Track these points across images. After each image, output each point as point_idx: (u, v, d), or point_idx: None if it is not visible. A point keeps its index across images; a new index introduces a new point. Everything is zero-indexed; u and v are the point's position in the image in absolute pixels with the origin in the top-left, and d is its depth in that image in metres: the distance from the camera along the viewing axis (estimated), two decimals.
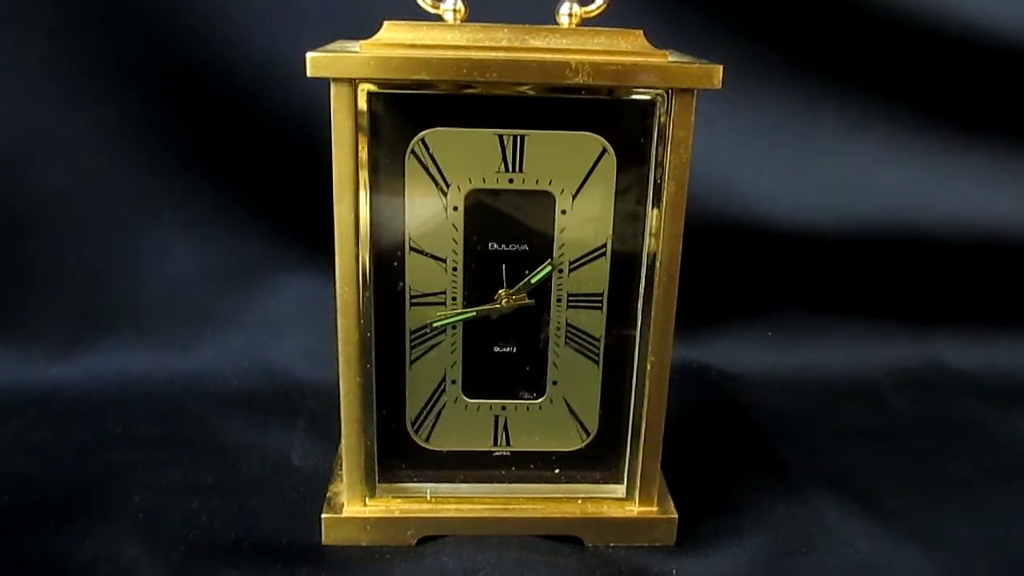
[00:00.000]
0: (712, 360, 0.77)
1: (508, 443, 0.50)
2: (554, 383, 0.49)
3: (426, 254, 0.46)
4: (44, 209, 0.68)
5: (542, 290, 0.47)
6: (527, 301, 0.48)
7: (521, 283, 0.47)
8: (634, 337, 0.48)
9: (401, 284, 0.46)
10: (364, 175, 0.44)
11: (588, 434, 0.50)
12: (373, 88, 0.44)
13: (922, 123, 0.77)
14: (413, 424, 0.49)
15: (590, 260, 0.47)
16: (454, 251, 0.46)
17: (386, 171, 0.45)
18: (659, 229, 0.45)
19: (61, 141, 0.67)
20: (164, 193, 0.69)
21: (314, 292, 0.74)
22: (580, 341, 0.48)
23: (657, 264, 0.46)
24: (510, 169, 0.45)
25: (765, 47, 0.73)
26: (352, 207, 0.44)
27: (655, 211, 0.46)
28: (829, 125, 0.76)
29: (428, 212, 0.45)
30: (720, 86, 0.45)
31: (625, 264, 0.47)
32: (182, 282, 0.70)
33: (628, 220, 0.46)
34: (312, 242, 0.73)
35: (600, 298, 0.48)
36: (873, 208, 0.79)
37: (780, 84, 0.76)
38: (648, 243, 0.46)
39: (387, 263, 0.46)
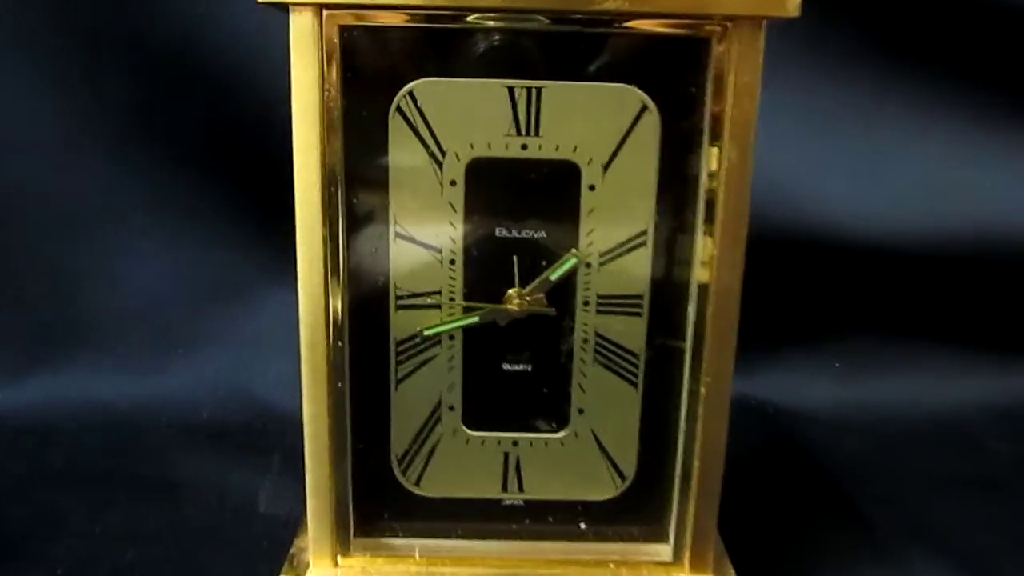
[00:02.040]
0: (769, 394, 0.68)
1: (521, 489, 0.42)
2: (580, 412, 0.41)
3: (416, 242, 0.39)
4: None
5: (564, 290, 0.39)
6: (545, 305, 0.39)
7: (537, 280, 0.39)
8: (684, 351, 0.40)
9: (383, 281, 0.39)
10: (334, 140, 0.36)
11: (623, 478, 0.42)
12: (347, 19, 0.34)
13: (1009, 113, 0.66)
14: (400, 462, 0.41)
15: (626, 251, 0.39)
16: (451, 239, 0.39)
17: (363, 134, 0.37)
18: (718, 208, 0.37)
19: (19, 133, 0.63)
20: (131, 192, 0.64)
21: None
22: (613, 357, 0.40)
23: (715, 255, 0.37)
24: (523, 131, 0.37)
25: (819, 23, 0.63)
26: (318, 182, 0.36)
27: (712, 185, 0.37)
28: (895, 114, 0.65)
29: (418, 187, 0.38)
30: (797, 13, 0.34)
31: (672, 256, 0.39)
32: (150, 295, 0.66)
33: (676, 198, 0.38)
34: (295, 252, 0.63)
35: (639, 301, 0.40)
36: (956, 215, 0.69)
37: (837, 67, 0.65)
38: (702, 227, 0.38)
39: (365, 254, 0.38)
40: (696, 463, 0.40)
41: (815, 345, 0.70)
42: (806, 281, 0.69)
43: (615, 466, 0.42)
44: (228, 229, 0.66)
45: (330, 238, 0.37)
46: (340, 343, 0.38)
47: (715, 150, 0.37)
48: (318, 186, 0.37)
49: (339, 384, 0.39)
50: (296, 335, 0.60)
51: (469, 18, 0.36)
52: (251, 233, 0.66)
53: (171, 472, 0.54)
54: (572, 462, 0.41)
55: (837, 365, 0.70)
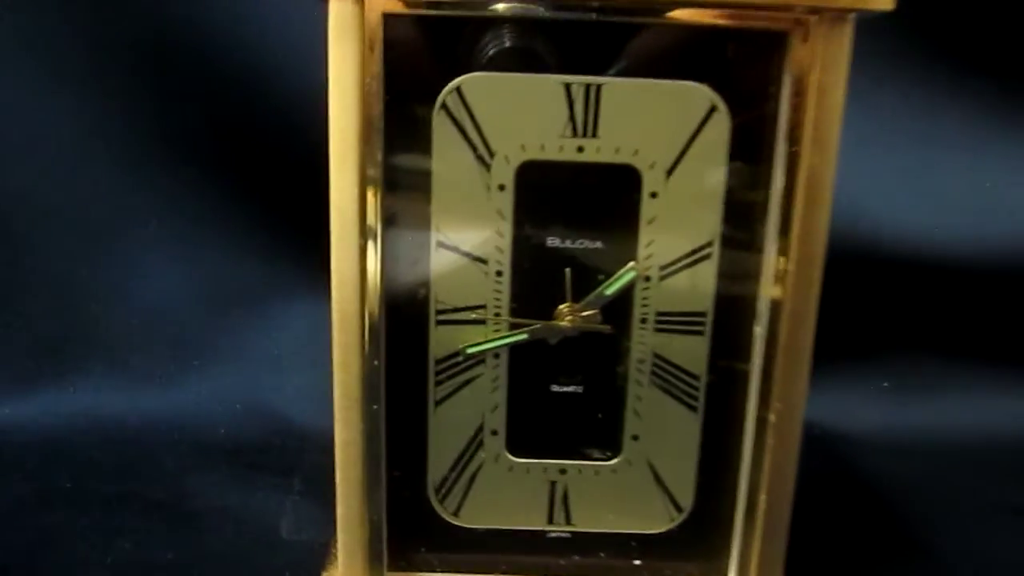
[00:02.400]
0: (815, 415, 0.63)
1: (568, 520, 0.39)
2: (634, 438, 0.38)
3: (459, 252, 0.36)
4: (2, 216, 0.60)
5: (620, 306, 0.37)
6: (599, 322, 0.37)
7: (591, 295, 0.36)
8: (749, 375, 0.37)
9: (424, 294, 0.36)
10: (373, 140, 0.34)
11: (680, 510, 0.39)
12: (391, 5, 0.31)
13: None
14: (438, 491, 0.39)
15: (689, 265, 0.36)
16: (499, 248, 0.36)
17: (405, 133, 0.34)
18: (794, 220, 0.34)
19: (25, 135, 0.59)
20: (143, 200, 0.61)
21: (324, 320, 0.61)
22: (672, 379, 0.37)
23: (790, 271, 0.35)
24: (580, 132, 0.34)
25: (876, 31, 0.59)
26: (355, 186, 0.33)
27: (788, 194, 0.34)
28: (949, 127, 0.62)
29: (463, 192, 0.35)
30: (891, 6, 0.31)
31: (739, 271, 0.36)
32: (165, 306, 0.62)
33: (746, 208, 0.36)
34: (322, 260, 0.60)
35: (702, 319, 0.37)
36: (1011, 232, 0.64)
37: (896, 73, 0.61)
38: (776, 240, 0.35)
39: (404, 264, 0.36)
40: (762, 496, 0.37)
41: (863, 364, 0.66)
42: (853, 297, 0.65)
43: (671, 497, 0.39)
44: (246, 237, 0.63)
45: (366, 247, 0.35)
46: (376, 362, 0.36)
47: (793, 156, 0.34)
48: (355, 190, 0.34)
49: (374, 407, 0.36)
50: (318, 347, 0.55)
51: (523, 7, 0.33)
52: (271, 242, 0.63)
53: (186, 494, 0.50)
54: (625, 492, 0.39)
55: (886, 384, 0.66)
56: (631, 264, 0.36)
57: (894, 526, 0.51)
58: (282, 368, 0.62)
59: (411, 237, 0.36)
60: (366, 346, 0.35)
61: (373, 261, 0.35)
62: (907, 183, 0.66)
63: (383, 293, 0.35)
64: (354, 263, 0.35)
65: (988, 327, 0.67)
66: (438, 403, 0.37)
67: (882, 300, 0.68)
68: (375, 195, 0.34)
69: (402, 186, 0.35)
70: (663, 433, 0.38)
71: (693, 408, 0.38)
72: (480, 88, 0.34)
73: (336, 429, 0.36)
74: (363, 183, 0.34)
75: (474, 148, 0.35)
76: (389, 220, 0.35)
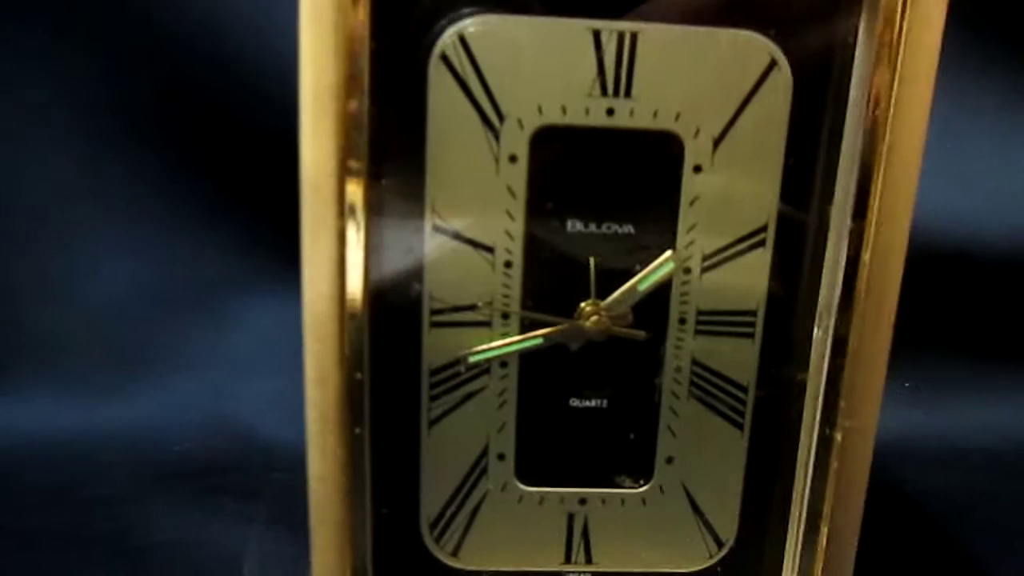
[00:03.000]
0: None
1: (589, 559, 0.35)
2: (668, 461, 0.34)
3: (460, 238, 0.31)
4: None
5: (655, 304, 0.32)
6: (630, 323, 0.32)
7: (621, 291, 0.32)
8: (807, 385, 0.32)
9: (417, 290, 0.31)
10: (356, 98, 0.28)
11: (720, 545, 0.35)
12: None
13: None
14: (433, 527, 0.34)
15: (739, 253, 0.32)
16: (508, 234, 0.31)
17: (395, 90, 0.29)
18: (873, 199, 0.29)
19: None
20: (97, 190, 0.57)
21: (294, 319, 0.57)
22: (714, 391, 0.33)
23: (864, 261, 0.30)
24: (611, 91, 0.29)
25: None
26: (333, 156, 0.28)
27: (866, 169, 0.29)
28: (993, 106, 0.58)
29: (466, 164, 0.30)
30: None
31: (799, 261, 0.32)
32: (116, 308, 0.58)
33: (810, 185, 0.31)
34: (290, 256, 0.56)
35: (751, 319, 0.32)
36: None
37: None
38: (848, 223, 0.30)
39: (393, 254, 0.31)
40: (823, 529, 0.33)
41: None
42: None
43: (710, 529, 0.35)
44: (205, 225, 0.59)
45: (346, 232, 0.29)
46: (358, 374, 0.31)
47: (874, 123, 0.29)
48: (332, 161, 0.28)
49: (356, 430, 0.31)
50: (287, 349, 0.54)
51: None
52: (233, 230, 0.59)
53: (132, 525, 0.46)
54: (656, 525, 0.35)
55: (907, 385, 0.62)
56: (669, 253, 0.31)
57: (961, 546, 0.48)
58: (246, 374, 0.59)
59: (402, 220, 0.31)
60: (345, 355, 0.30)
61: (355, 250, 0.30)
62: (938, 179, 0.62)
63: (367, 289, 0.30)
64: (331, 252, 0.29)
65: (1014, 327, 0.63)
66: (433, 423, 0.33)
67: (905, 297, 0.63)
68: (358, 168, 0.29)
69: (391, 157, 0.30)
70: (703, 454, 0.34)
71: (739, 425, 0.34)
72: (488, 35, 0.29)
73: (309, 460, 0.31)
74: (343, 153, 0.28)
75: (480, 109, 0.30)
76: (374, 199, 0.30)
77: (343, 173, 0.28)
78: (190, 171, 0.57)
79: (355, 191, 0.29)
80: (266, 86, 0.54)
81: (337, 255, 0.29)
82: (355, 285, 0.30)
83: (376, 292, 0.30)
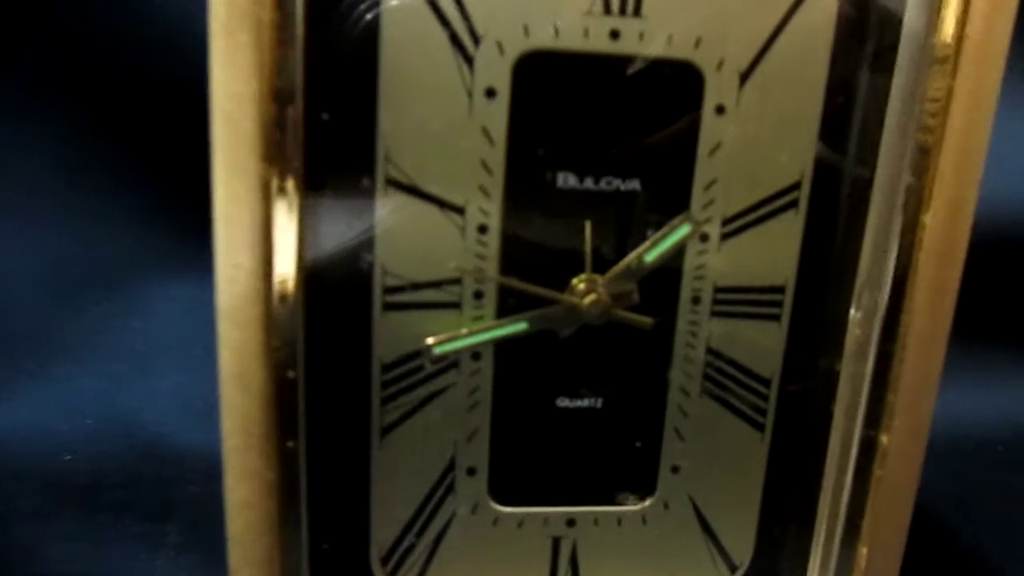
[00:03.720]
0: None
1: None
2: (674, 470, 0.30)
3: (424, 196, 0.25)
4: None
5: (663, 279, 0.27)
6: (636, 301, 0.27)
7: (624, 262, 0.27)
8: (843, 378, 0.28)
9: (367, 262, 0.26)
10: (286, 10, 0.22)
11: (734, 568, 0.31)
12: None
13: None
14: (386, 562, 0.29)
15: (766, 216, 0.27)
16: (483, 190, 0.26)
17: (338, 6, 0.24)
18: (940, 152, 0.24)
19: None
20: None
21: (208, 307, 0.51)
22: (732, 385, 0.29)
23: (927, 226, 0.25)
24: (615, 9, 0.25)
25: None
26: (253, 73, 0.22)
27: (928, 117, 0.24)
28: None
29: (431, 101, 0.25)
30: None
31: (838, 227, 0.27)
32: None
33: (856, 133, 0.26)
34: (207, 230, 0.51)
35: (778, 298, 0.28)
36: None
37: None
38: (902, 183, 0.25)
39: (336, 215, 0.25)
40: (862, 550, 0.28)
41: None
42: None
43: (722, 551, 0.31)
44: (102, 199, 0.53)
45: (272, 187, 0.23)
46: (291, 372, 0.25)
47: (937, 52, 0.24)
48: (253, 84, 0.22)
49: (289, 444, 0.26)
50: (200, 339, 0.49)
51: None
52: (138, 205, 0.54)
53: (13, 552, 0.41)
54: (658, 548, 0.30)
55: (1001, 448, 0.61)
56: (682, 216, 0.27)
57: (943, 529, 0.46)
58: (151, 369, 0.53)
59: (347, 171, 0.25)
60: (273, 347, 0.24)
61: (285, 209, 0.24)
62: None
63: (301, 261, 0.24)
64: (252, 212, 0.24)
65: (998, 307, 0.61)
66: (387, 431, 0.28)
67: None
68: (287, 96, 0.23)
69: (333, 85, 0.24)
70: (715, 462, 0.30)
71: (759, 426, 0.29)
72: None
73: (228, 483, 0.25)
74: (267, 74, 0.22)
75: (449, 28, 0.24)
76: (311, 141, 0.24)
77: (268, 102, 0.22)
78: (86, 135, 0.53)
79: (286, 135, 0.23)
80: (176, 38, 0.49)
81: (261, 216, 0.23)
82: (286, 256, 0.24)
83: (313, 265, 0.25)
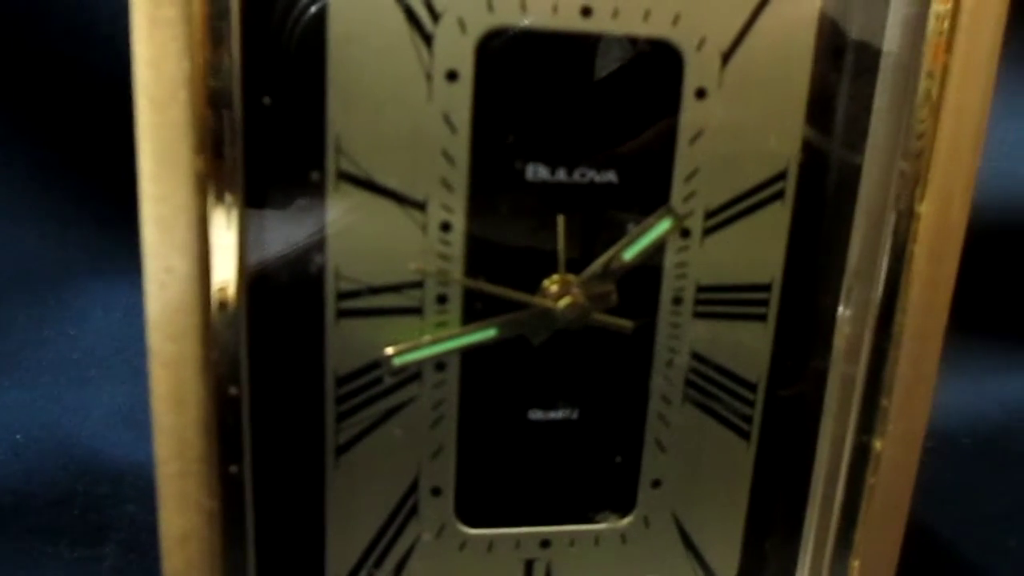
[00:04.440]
0: None
1: None
2: (655, 484, 0.28)
3: (380, 190, 0.23)
4: None
5: (642, 278, 0.25)
6: (614, 302, 0.25)
7: (601, 259, 0.25)
8: (832, 381, 0.26)
9: (318, 264, 0.24)
10: None
11: None
12: None
13: None
14: None
15: (751, 208, 0.25)
16: (446, 183, 0.23)
17: None
18: (923, 141, 0.23)
19: None
20: None
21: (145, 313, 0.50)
22: (716, 390, 0.27)
23: (923, 215, 0.23)
24: None
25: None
26: (183, 52, 0.20)
27: (913, 96, 0.23)
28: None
29: (386, 83, 0.23)
30: None
31: (826, 219, 0.26)
32: None
33: (847, 117, 0.25)
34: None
35: (764, 296, 0.26)
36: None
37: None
38: (895, 169, 0.24)
39: (282, 212, 0.23)
40: (854, 564, 0.26)
41: None
42: None
43: (706, 569, 0.29)
44: (32, 195, 0.51)
45: (207, 181, 0.21)
46: (233, 389, 0.23)
47: (930, 28, 0.22)
48: (184, 65, 0.19)
49: (231, 468, 0.23)
50: (139, 349, 0.49)
51: None
52: (70, 204, 0.51)
53: None
54: (638, 567, 0.28)
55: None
56: (665, 208, 0.25)
57: (951, 543, 0.45)
58: (87, 380, 0.50)
59: (294, 164, 0.23)
60: (212, 362, 0.22)
61: (224, 206, 0.21)
62: None
63: (242, 265, 0.22)
64: (186, 209, 0.21)
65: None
66: (343, 450, 0.25)
67: None
68: (223, 78, 0.20)
69: (276, 72, 0.22)
70: (698, 475, 0.28)
71: (744, 434, 0.27)
72: None
73: (163, 514, 0.22)
74: (199, 52, 0.20)
75: (406, 5, 0.22)
76: (252, 129, 0.21)
77: (200, 85, 0.19)
78: (5, 127, 0.49)
79: (221, 114, 0.20)
80: (99, 16, 0.46)
81: (195, 214, 0.21)
82: (225, 259, 0.22)
83: (257, 269, 0.23)
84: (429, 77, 0.22)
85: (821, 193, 0.25)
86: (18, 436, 0.48)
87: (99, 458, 0.48)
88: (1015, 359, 0.63)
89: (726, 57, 0.23)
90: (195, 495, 0.22)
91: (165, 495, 0.22)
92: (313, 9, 0.21)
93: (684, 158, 0.24)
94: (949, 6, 0.22)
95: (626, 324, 0.24)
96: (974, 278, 0.65)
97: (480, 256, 0.24)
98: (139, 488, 0.44)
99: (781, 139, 0.24)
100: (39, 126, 0.49)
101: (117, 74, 0.41)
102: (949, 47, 0.22)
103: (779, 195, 0.25)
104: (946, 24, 0.22)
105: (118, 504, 0.44)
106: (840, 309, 0.26)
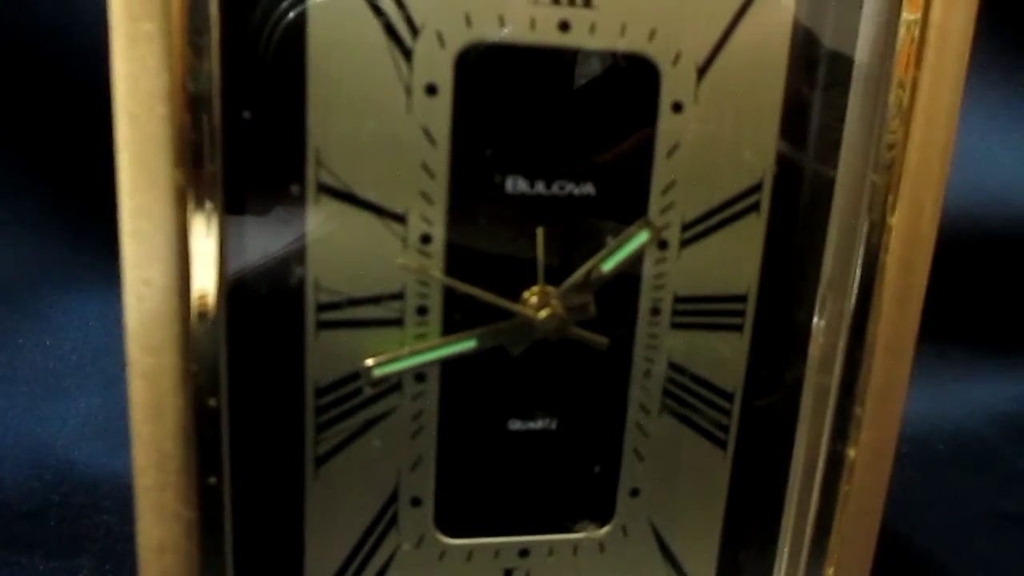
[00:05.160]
0: None
1: None
2: (633, 494, 0.28)
3: (360, 203, 0.23)
4: None
5: (620, 289, 0.25)
6: (592, 314, 0.25)
7: (580, 271, 0.25)
8: (808, 390, 0.26)
9: (298, 276, 0.24)
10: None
11: None
12: None
13: None
14: None
15: (727, 219, 0.25)
16: (425, 196, 0.23)
17: None
18: (894, 151, 0.23)
19: None
20: None
21: (122, 322, 0.49)
22: (694, 400, 0.27)
23: (893, 227, 0.24)
24: None
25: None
26: (162, 64, 0.20)
27: (890, 107, 0.23)
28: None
29: (366, 100, 0.23)
30: None
31: (801, 229, 0.26)
32: None
33: (821, 130, 0.25)
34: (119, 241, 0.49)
35: (740, 307, 0.26)
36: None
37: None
38: (867, 182, 0.24)
39: (262, 224, 0.23)
40: (829, 570, 0.27)
41: None
42: None
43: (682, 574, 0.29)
44: (9, 204, 0.49)
45: (188, 194, 0.21)
46: (212, 400, 0.22)
47: (901, 41, 0.23)
48: (162, 77, 0.19)
49: (211, 480, 0.23)
50: (115, 358, 0.48)
51: None
52: (47, 211, 0.50)
53: None
54: (616, 574, 0.28)
55: None
56: (643, 220, 0.25)
57: (921, 554, 0.45)
58: (63, 389, 0.50)
59: (274, 176, 0.22)
60: (192, 372, 0.22)
61: (203, 218, 0.21)
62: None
63: (222, 276, 0.22)
64: (165, 221, 0.21)
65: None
66: (322, 461, 0.25)
67: None
68: (202, 91, 0.20)
69: (256, 86, 0.22)
70: (676, 484, 0.28)
71: (721, 443, 0.28)
72: None
73: (140, 525, 0.22)
74: (178, 66, 0.20)
75: (385, 18, 0.22)
76: (233, 147, 0.21)
77: (180, 99, 0.19)
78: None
79: (201, 129, 0.20)
80: (76, 27, 0.45)
81: (174, 226, 0.20)
82: (204, 270, 0.22)
83: (237, 280, 0.23)
84: (409, 91, 0.22)
85: (795, 204, 0.25)
86: None
87: (75, 468, 0.47)
88: (987, 366, 0.64)
89: (701, 71, 0.23)
90: (173, 506, 0.22)
91: (143, 506, 0.22)
92: (293, 23, 0.21)
93: (661, 171, 0.24)
94: (918, 15, 0.23)
95: (602, 340, 0.24)
96: (945, 288, 0.66)
97: (460, 268, 0.24)
98: (115, 498, 0.46)
99: (756, 151, 0.24)
100: (14, 134, 0.48)
101: (94, 82, 0.40)
102: (919, 58, 0.23)
103: (755, 207, 0.25)
104: (916, 33, 0.23)
105: (94, 514, 0.43)
106: (815, 319, 0.26)
